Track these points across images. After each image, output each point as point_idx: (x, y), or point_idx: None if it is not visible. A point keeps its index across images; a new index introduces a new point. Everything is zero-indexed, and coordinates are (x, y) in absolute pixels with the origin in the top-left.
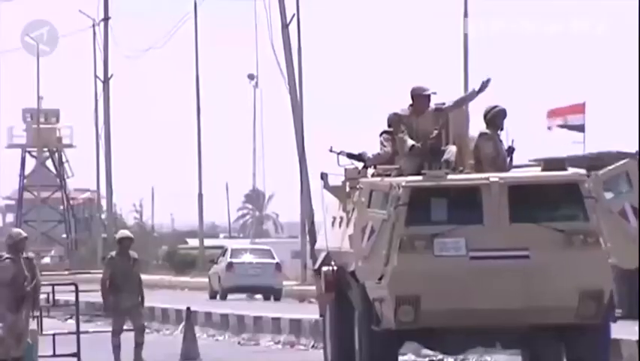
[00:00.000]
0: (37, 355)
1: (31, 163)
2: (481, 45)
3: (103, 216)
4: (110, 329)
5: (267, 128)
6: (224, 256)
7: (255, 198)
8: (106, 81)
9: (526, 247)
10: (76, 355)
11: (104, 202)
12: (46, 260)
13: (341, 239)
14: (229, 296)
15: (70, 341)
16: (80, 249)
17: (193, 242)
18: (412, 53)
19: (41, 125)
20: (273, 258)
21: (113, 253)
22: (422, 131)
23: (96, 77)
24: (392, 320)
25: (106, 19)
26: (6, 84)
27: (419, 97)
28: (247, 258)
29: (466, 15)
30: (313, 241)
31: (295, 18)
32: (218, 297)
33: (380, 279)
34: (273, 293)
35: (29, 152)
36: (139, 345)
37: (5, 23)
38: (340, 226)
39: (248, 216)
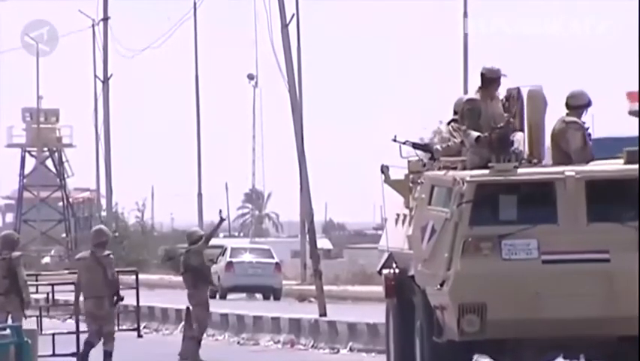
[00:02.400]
0: (37, 355)
1: (30, 163)
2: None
3: (103, 214)
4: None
5: (266, 128)
6: (223, 255)
7: (255, 197)
8: (105, 81)
9: (605, 249)
10: (76, 355)
11: (103, 202)
12: (46, 260)
13: (403, 239)
14: (228, 296)
15: (69, 341)
16: (79, 248)
17: None
18: (412, 52)
19: (41, 125)
20: (273, 257)
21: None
22: (492, 118)
23: (96, 76)
24: (455, 331)
25: (105, 19)
26: (6, 84)
27: (490, 79)
28: (247, 257)
29: (466, 15)
30: (313, 240)
31: (295, 18)
32: (217, 296)
33: (441, 285)
34: (272, 293)
35: (29, 151)
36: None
37: (5, 23)
38: (403, 224)
39: (247, 216)
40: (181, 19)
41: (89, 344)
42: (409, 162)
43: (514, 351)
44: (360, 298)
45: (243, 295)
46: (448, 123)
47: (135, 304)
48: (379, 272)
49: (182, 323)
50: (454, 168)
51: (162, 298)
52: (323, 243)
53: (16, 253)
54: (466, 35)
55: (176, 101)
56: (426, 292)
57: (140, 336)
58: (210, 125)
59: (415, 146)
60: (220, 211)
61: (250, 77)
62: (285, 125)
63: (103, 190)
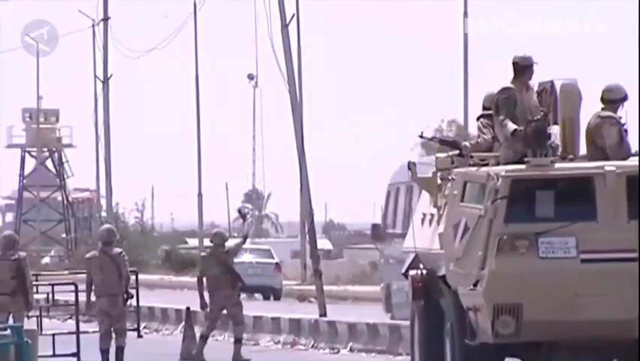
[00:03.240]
0: (37, 355)
1: (30, 163)
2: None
3: (103, 215)
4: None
5: (266, 128)
6: None
7: (255, 197)
8: (105, 81)
9: None
10: (76, 355)
11: (103, 202)
12: (46, 260)
13: (431, 239)
14: None
15: (69, 341)
16: (79, 248)
17: (193, 242)
18: (412, 52)
19: (41, 125)
20: (273, 258)
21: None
22: (527, 109)
23: (96, 77)
24: (489, 333)
25: (105, 19)
26: (6, 84)
27: (523, 67)
28: (247, 257)
29: (466, 15)
30: (313, 240)
31: (295, 18)
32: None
33: (475, 285)
34: (272, 293)
35: (29, 152)
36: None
37: (5, 23)
38: (430, 223)
39: (247, 216)
40: (185, 20)
41: (106, 353)
42: (436, 158)
43: (547, 354)
44: (360, 299)
45: (243, 295)
46: (477, 119)
47: (135, 304)
48: (404, 274)
49: (182, 323)
50: (486, 165)
51: (162, 299)
52: (323, 243)
53: (23, 254)
54: (466, 35)
55: (176, 101)
56: (458, 293)
57: (140, 336)
58: (210, 125)
59: (441, 142)
60: (239, 210)
61: (250, 77)
62: (285, 125)
63: (103, 190)
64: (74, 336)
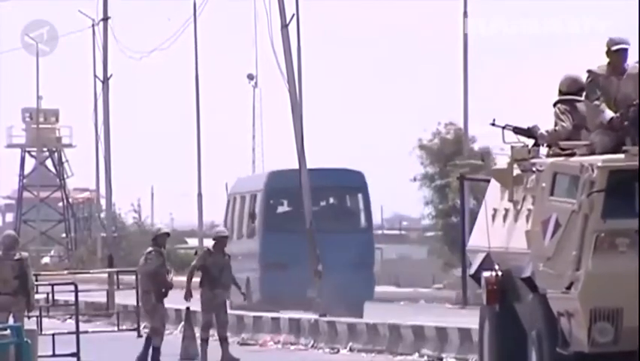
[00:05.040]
0: (37, 355)
1: (30, 163)
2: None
3: (102, 215)
4: (108, 329)
5: (266, 128)
6: None
7: None
8: (105, 81)
9: None
10: (76, 355)
11: (103, 202)
12: (46, 260)
13: (507, 236)
14: None
15: (69, 341)
16: (79, 248)
17: (193, 242)
18: (412, 52)
19: (41, 125)
20: None
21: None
22: (623, 96)
23: (95, 77)
24: (585, 341)
25: (105, 19)
26: (6, 84)
27: (618, 52)
28: None
29: (466, 15)
30: (313, 241)
31: (295, 18)
32: None
33: (569, 287)
34: None
35: (29, 152)
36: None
37: (5, 23)
38: (505, 219)
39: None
40: (186, 21)
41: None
42: (512, 148)
43: None
44: None
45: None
46: (554, 105)
47: (135, 304)
48: (473, 276)
49: (182, 322)
50: (572, 155)
51: None
52: None
53: (26, 254)
54: (466, 35)
55: (176, 101)
56: (546, 297)
57: (140, 336)
58: (210, 125)
59: (516, 131)
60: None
61: (250, 77)
62: (285, 125)
63: (103, 190)
64: (74, 336)
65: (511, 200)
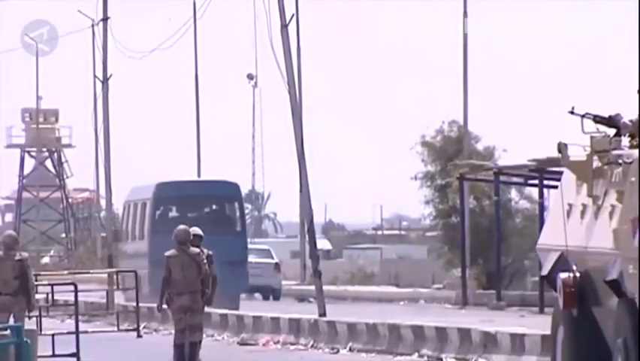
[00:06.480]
0: (37, 355)
1: (30, 163)
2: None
3: (102, 215)
4: (108, 329)
5: (266, 128)
6: None
7: (254, 198)
8: (105, 81)
9: None
10: (76, 355)
11: (103, 202)
12: (46, 260)
13: (585, 234)
14: None
15: (69, 341)
16: (79, 248)
17: None
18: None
19: (40, 125)
20: (272, 258)
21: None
22: None
23: (95, 77)
24: None
25: (105, 19)
26: (5, 84)
27: None
28: None
29: (466, 15)
30: (313, 241)
31: (294, 18)
32: None
33: None
34: (271, 293)
35: (28, 152)
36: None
37: (5, 23)
38: (583, 215)
39: (247, 216)
40: (186, 21)
41: (180, 347)
42: (591, 138)
43: None
44: (359, 298)
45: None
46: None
47: (135, 304)
48: (544, 277)
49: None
50: None
51: None
52: (322, 243)
53: (26, 254)
54: (466, 35)
55: (176, 101)
56: (635, 302)
57: (139, 336)
58: (210, 125)
59: (596, 120)
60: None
61: (250, 77)
62: (285, 126)
63: (102, 190)
64: (74, 336)
65: (590, 195)
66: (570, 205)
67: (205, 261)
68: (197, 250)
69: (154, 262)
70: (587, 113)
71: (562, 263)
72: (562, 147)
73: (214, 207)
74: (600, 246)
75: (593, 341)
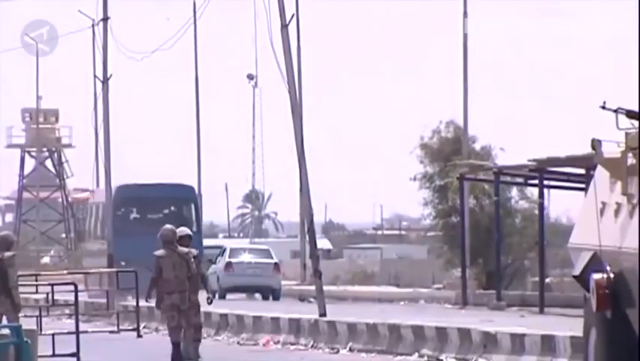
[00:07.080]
0: (37, 355)
1: (30, 163)
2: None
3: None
4: (108, 329)
5: (266, 128)
6: (222, 255)
7: (255, 198)
8: (105, 81)
9: None
10: (76, 355)
11: None
12: (46, 260)
13: (619, 234)
14: (228, 296)
15: (69, 341)
16: (79, 248)
17: None
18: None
19: (40, 125)
20: (272, 257)
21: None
22: None
23: (95, 77)
24: None
25: (105, 19)
26: (5, 84)
27: None
28: (246, 258)
29: (466, 15)
30: (313, 240)
31: (295, 18)
32: (217, 296)
33: None
34: (271, 293)
35: (28, 152)
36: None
37: (5, 23)
38: (617, 214)
39: (247, 216)
40: (187, 21)
41: (177, 345)
42: (626, 134)
43: None
44: (359, 298)
45: (243, 295)
46: None
47: (135, 304)
48: (577, 277)
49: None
50: None
51: None
52: (323, 243)
53: (8, 254)
54: (466, 35)
55: (176, 101)
56: None
57: (139, 336)
58: (210, 125)
59: (629, 115)
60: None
61: (250, 77)
62: (285, 126)
63: None
64: (74, 336)
65: (624, 193)
66: (604, 203)
67: (192, 260)
68: (185, 249)
69: (114, 260)
70: (619, 108)
71: (595, 263)
72: (596, 144)
73: (172, 208)
74: (635, 246)
75: (627, 343)
